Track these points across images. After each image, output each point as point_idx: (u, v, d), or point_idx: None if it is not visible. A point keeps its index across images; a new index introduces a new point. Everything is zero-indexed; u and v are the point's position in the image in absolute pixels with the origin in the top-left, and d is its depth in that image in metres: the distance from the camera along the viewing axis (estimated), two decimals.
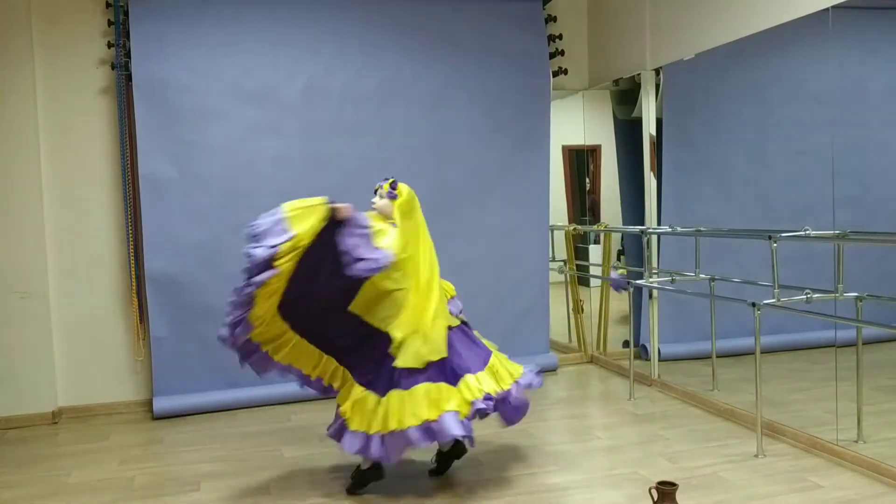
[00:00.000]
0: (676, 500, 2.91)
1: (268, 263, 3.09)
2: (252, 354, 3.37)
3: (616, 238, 5.91)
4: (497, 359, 3.44)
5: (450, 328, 3.42)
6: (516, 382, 3.38)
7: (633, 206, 5.51)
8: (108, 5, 4.79)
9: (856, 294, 3.65)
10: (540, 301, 5.62)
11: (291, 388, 5.02)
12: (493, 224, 5.46)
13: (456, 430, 3.14)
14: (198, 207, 4.87)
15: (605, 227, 5.72)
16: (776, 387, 4.44)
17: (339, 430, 3.37)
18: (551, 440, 4.14)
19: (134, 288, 4.88)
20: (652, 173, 5.25)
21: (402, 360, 3.26)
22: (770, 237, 3.75)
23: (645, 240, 4.94)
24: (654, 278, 4.96)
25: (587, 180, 6.28)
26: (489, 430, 4.27)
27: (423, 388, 3.21)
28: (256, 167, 4.97)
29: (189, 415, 4.79)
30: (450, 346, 3.35)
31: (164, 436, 4.46)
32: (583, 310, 6.00)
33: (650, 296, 5.13)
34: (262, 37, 4.96)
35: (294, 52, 5.02)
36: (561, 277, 6.12)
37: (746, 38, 4.30)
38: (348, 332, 3.41)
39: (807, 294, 3.71)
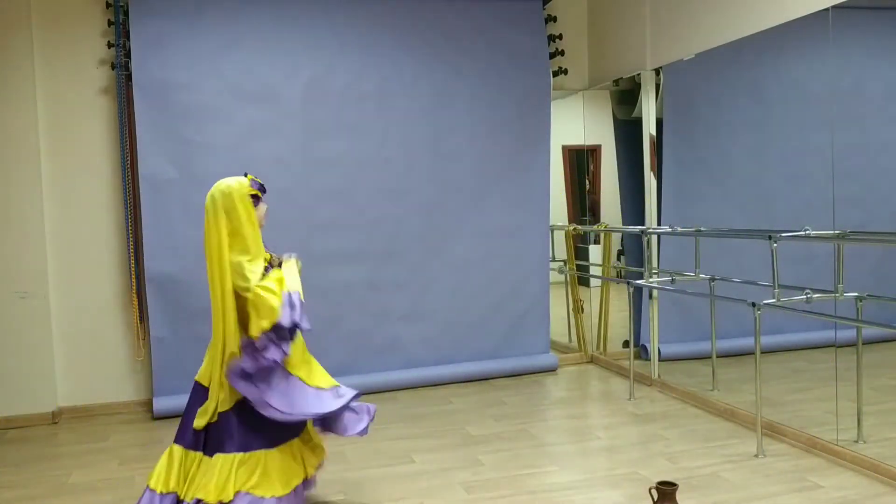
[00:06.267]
0: (676, 500, 2.91)
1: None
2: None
3: (616, 238, 5.91)
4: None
5: None
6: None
7: (633, 206, 5.51)
8: (108, 5, 4.79)
9: (856, 294, 3.66)
10: (540, 301, 5.62)
11: None
12: (494, 224, 5.46)
13: None
14: (198, 207, 4.83)
15: (605, 227, 5.72)
16: (776, 387, 4.44)
17: None
18: (551, 440, 4.14)
19: (134, 288, 4.88)
20: (652, 173, 5.25)
21: None
22: (770, 237, 3.75)
23: (645, 240, 4.94)
24: (654, 278, 4.96)
25: (587, 180, 6.27)
26: (489, 431, 4.27)
27: None
28: (256, 167, 4.94)
29: None
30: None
31: (164, 436, 4.46)
32: (583, 310, 6.00)
33: (650, 296, 5.13)
34: (262, 37, 4.96)
35: (294, 52, 5.02)
36: (561, 277, 6.12)
37: (746, 38, 4.30)
38: None
39: (807, 294, 3.71)
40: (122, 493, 3.56)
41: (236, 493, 2.81)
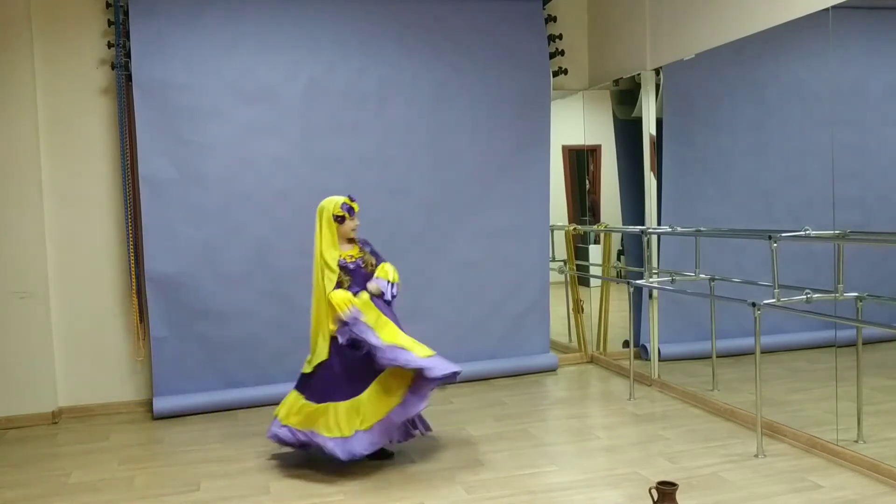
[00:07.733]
0: (676, 500, 2.91)
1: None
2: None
3: (616, 238, 5.91)
4: None
5: None
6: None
7: (633, 206, 5.51)
8: (108, 5, 4.79)
9: (856, 294, 3.66)
10: (540, 301, 5.62)
11: (290, 388, 5.03)
12: (494, 224, 5.46)
13: None
14: (198, 207, 4.87)
15: (605, 227, 5.72)
16: (776, 387, 4.44)
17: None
18: (551, 440, 4.14)
19: (134, 288, 4.88)
20: (652, 173, 5.25)
21: None
22: (770, 237, 3.75)
23: (645, 240, 4.94)
24: (654, 278, 4.96)
25: (587, 180, 6.27)
26: (489, 431, 4.27)
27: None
28: (256, 167, 4.97)
29: (189, 415, 4.78)
30: None
31: (164, 436, 4.46)
32: (583, 310, 6.00)
33: (650, 296, 5.13)
34: (262, 37, 4.96)
35: (294, 52, 5.02)
36: (561, 277, 6.12)
37: (746, 38, 4.30)
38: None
39: (807, 294, 3.71)
40: (122, 493, 3.56)
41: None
